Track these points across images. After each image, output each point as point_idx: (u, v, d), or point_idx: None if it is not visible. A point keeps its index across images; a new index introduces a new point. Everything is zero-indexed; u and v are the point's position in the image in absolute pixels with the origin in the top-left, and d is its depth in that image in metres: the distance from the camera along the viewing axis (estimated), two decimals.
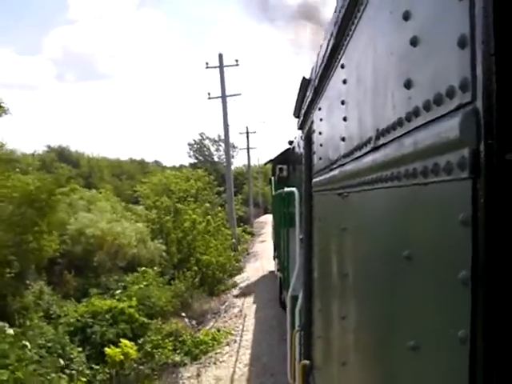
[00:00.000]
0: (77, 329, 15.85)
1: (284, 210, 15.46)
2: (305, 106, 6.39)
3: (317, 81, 4.77)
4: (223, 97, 43.33)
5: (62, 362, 13.33)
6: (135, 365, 14.85)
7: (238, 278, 27.59)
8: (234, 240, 36.19)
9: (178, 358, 15.73)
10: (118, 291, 19.79)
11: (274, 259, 26.35)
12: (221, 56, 42.83)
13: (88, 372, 14.01)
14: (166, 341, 16.55)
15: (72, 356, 14.14)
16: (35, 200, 17.71)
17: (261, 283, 24.27)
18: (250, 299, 20.48)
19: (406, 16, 1.75)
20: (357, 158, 2.77)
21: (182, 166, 65.90)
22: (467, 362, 1.24)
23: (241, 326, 17.95)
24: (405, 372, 1.89)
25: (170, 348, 16.28)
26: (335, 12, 3.31)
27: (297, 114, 7.75)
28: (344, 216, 3.43)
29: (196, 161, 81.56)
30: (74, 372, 13.31)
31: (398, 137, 1.90)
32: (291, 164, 16.99)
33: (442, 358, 1.45)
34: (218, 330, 17.97)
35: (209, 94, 43.89)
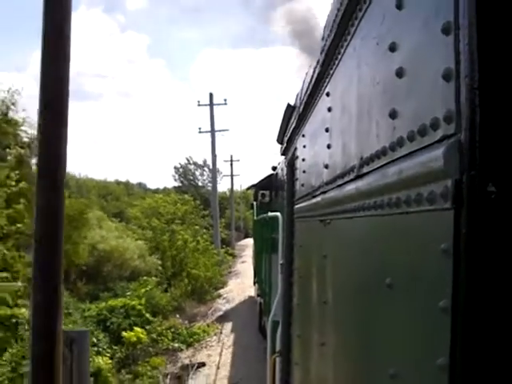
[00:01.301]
0: (99, 320, 19.84)
1: (266, 235, 15.43)
2: (288, 133, 6.42)
3: (301, 108, 4.81)
4: (212, 131, 49.94)
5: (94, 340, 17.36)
6: (144, 347, 19.02)
7: (222, 291, 32.02)
8: (219, 258, 40.64)
9: (176, 345, 20.38)
10: (128, 293, 23.60)
11: (254, 284, 26.27)
12: (211, 95, 49.58)
13: (109, 351, 17.98)
14: (168, 331, 21.00)
15: (99, 338, 18.21)
16: (71, 218, 21.56)
17: (240, 310, 26.53)
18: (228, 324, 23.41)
19: (393, 47, 1.78)
20: (340, 186, 2.79)
21: (165, 189, 70.23)
22: None
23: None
24: None
25: (170, 338, 20.71)
26: (322, 40, 3.35)
27: (280, 140, 7.79)
28: (325, 243, 3.43)
29: (181, 184, 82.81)
30: (100, 349, 17.43)
31: (381, 166, 1.92)
32: (274, 189, 17.02)
33: None
34: (208, 325, 23.09)
35: (200, 128, 51.08)
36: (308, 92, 4.25)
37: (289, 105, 6.07)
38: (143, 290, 23.42)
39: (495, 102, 1.18)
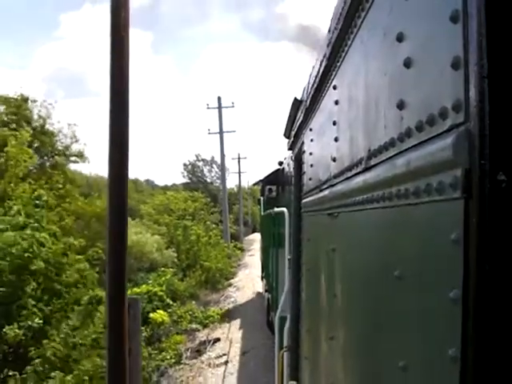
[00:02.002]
0: None
1: (273, 231, 15.40)
2: (295, 127, 6.41)
3: (308, 101, 4.79)
4: (221, 133, 53.85)
5: None
6: (166, 328, 20.67)
7: (232, 281, 35.13)
8: (229, 251, 44.69)
9: (194, 326, 22.39)
10: (150, 281, 25.17)
11: (262, 279, 26.26)
12: (219, 98, 53.48)
13: None
14: (186, 314, 23.07)
15: None
16: (100, 215, 25.90)
17: (248, 295, 29.42)
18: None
19: (400, 37, 1.77)
20: (348, 179, 2.78)
21: (174, 185, 74.98)
22: (457, 380, 1.24)
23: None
24: None
25: (188, 320, 22.62)
26: (328, 33, 3.34)
27: (287, 135, 7.77)
28: (334, 236, 3.43)
29: (189, 181, 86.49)
30: None
31: (390, 157, 1.91)
32: (280, 184, 16.97)
33: (433, 377, 1.45)
34: (221, 309, 25.55)
35: (209, 130, 55.26)
36: (315, 86, 4.24)
37: (296, 99, 6.05)
38: (163, 279, 24.90)
39: (505, 90, 1.17)
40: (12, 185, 22.62)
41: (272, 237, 16.12)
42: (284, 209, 9.11)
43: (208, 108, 53.84)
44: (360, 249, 2.58)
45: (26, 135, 25.95)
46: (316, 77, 4.11)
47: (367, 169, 2.29)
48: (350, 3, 2.60)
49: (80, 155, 34.20)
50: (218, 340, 20.52)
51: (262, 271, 26.30)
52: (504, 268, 1.17)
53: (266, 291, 22.22)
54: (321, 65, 3.79)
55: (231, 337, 20.65)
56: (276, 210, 12.09)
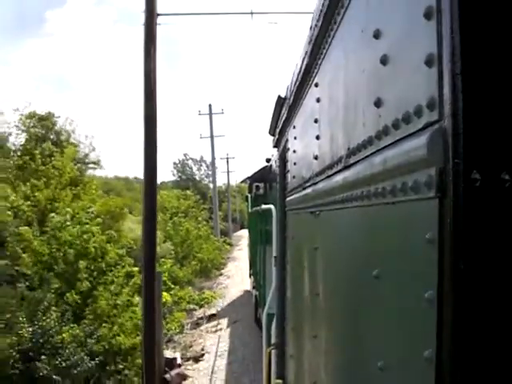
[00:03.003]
0: None
1: (260, 228, 15.40)
2: (280, 124, 6.39)
3: (291, 99, 4.77)
4: (211, 137, 59.25)
5: None
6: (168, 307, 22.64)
7: (223, 271, 40.84)
8: (219, 244, 49.63)
9: (191, 306, 26.10)
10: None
11: (250, 277, 26.27)
12: (210, 106, 58.99)
13: None
14: (185, 296, 26.31)
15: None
16: (113, 213, 29.75)
17: (236, 282, 34.35)
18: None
19: (377, 34, 1.75)
20: (329, 177, 2.76)
21: (163, 183, 75.62)
22: (433, 381, 1.22)
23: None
24: None
25: (187, 301, 26.01)
26: (310, 30, 3.32)
27: (272, 132, 7.75)
28: (316, 235, 3.41)
29: (179, 179, 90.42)
30: None
31: (368, 155, 1.90)
32: (268, 182, 16.95)
33: (409, 378, 1.44)
34: (214, 292, 29.84)
35: (200, 135, 61.23)
36: (297, 83, 4.22)
37: (279, 96, 6.03)
38: (165, 267, 26.74)
39: (478, 88, 1.15)
40: (57, 190, 28.58)
41: (259, 234, 16.14)
42: (271, 206, 9.04)
43: (200, 114, 59.19)
44: (341, 248, 2.57)
45: (71, 151, 32.21)
46: (298, 74, 4.09)
47: (346, 167, 2.28)
48: (330, 0, 2.58)
49: (97, 163, 41.61)
50: (213, 315, 24.91)
51: (250, 268, 26.31)
52: (478, 268, 1.15)
53: (253, 288, 22.24)
54: (303, 62, 3.77)
55: (223, 313, 25.41)
56: (263, 206, 12.03)
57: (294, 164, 4.82)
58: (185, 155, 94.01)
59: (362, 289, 2.04)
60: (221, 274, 39.32)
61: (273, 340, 7.22)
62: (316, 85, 3.37)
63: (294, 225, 5.22)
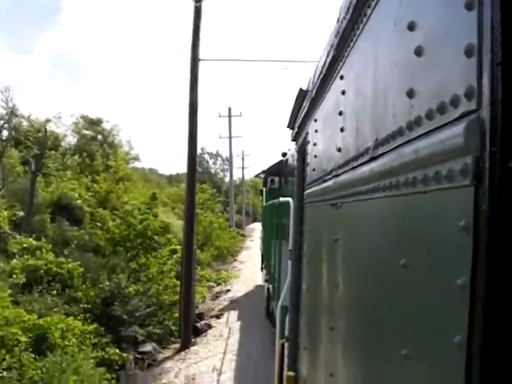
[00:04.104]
0: None
1: (276, 221, 15.39)
2: (300, 118, 6.40)
3: (314, 92, 4.78)
4: (230, 137, 67.63)
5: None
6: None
7: (237, 257, 46.44)
8: (234, 234, 57.41)
9: (210, 283, 31.52)
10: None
11: (262, 270, 26.27)
12: (230, 109, 66.61)
13: None
14: (205, 274, 32.60)
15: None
16: (147, 203, 35.70)
17: (248, 264, 39.73)
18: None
19: (411, 26, 1.77)
20: (353, 168, 2.78)
21: (177, 175, 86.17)
22: (463, 367, 1.24)
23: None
24: (399, 381, 1.88)
25: (207, 279, 31.74)
26: (337, 22, 3.32)
27: (291, 126, 7.75)
28: (337, 226, 3.43)
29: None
30: None
31: (397, 146, 1.91)
32: (283, 175, 16.95)
33: (438, 365, 1.46)
34: (230, 273, 35.86)
35: (220, 135, 69.78)
36: (321, 76, 4.23)
37: (301, 89, 6.03)
38: None
39: None
40: (113, 184, 37.71)
41: (275, 227, 16.12)
42: (289, 199, 9.00)
43: (220, 116, 66.42)
44: (364, 238, 2.58)
45: (122, 154, 43.80)
46: (322, 67, 4.10)
47: (374, 158, 2.29)
48: None
49: (137, 158, 54.50)
50: (228, 290, 29.75)
51: (262, 262, 26.31)
52: None
53: (265, 281, 22.25)
54: (328, 55, 3.78)
55: (237, 288, 30.13)
56: (281, 199, 11.98)
57: (315, 157, 4.83)
58: (202, 149, 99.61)
59: (387, 278, 2.05)
60: (235, 260, 45.08)
61: (286, 332, 7.24)
62: (341, 77, 3.38)
63: (312, 217, 5.24)
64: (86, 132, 43.55)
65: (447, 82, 1.45)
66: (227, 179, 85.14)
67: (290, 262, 7.15)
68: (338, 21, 3.33)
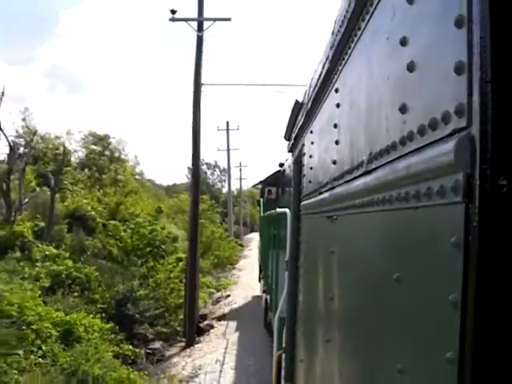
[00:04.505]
0: None
1: (274, 232, 15.38)
2: (296, 129, 6.41)
3: (309, 104, 4.79)
4: (228, 150, 68.46)
5: None
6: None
7: (236, 266, 48.46)
8: (234, 244, 59.09)
9: (211, 290, 33.08)
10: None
11: (260, 281, 26.23)
12: (227, 123, 67.28)
13: None
14: (206, 281, 33.05)
15: None
16: (152, 215, 39.31)
17: (247, 271, 42.43)
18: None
19: (403, 41, 1.77)
20: (348, 181, 2.78)
21: (175, 185, 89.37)
22: (456, 381, 1.24)
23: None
24: None
25: (208, 285, 33.14)
26: (332, 35, 3.34)
27: (288, 137, 7.77)
28: (333, 239, 3.43)
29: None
30: None
31: (391, 160, 1.92)
32: (281, 186, 16.96)
33: (430, 380, 1.46)
34: (230, 280, 37.90)
35: (218, 148, 70.97)
36: (316, 88, 4.24)
37: (297, 101, 6.05)
38: None
39: (508, 95, 1.18)
40: (122, 197, 40.90)
41: (272, 238, 16.11)
42: (286, 209, 9.00)
43: (218, 130, 66.94)
44: (359, 251, 2.58)
45: (130, 169, 48.05)
46: (318, 79, 4.11)
47: (368, 172, 2.30)
48: (355, 6, 2.60)
49: (141, 174, 57.95)
50: (228, 296, 31.69)
51: (260, 272, 26.27)
52: (503, 272, 1.17)
53: (263, 292, 22.21)
54: (323, 67, 3.79)
55: (236, 294, 32.08)
56: (278, 210, 11.98)
57: (311, 169, 4.84)
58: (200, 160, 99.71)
59: (381, 292, 2.06)
60: (234, 268, 47.27)
61: (284, 344, 7.22)
62: (336, 90, 3.39)
63: (308, 229, 5.24)
64: (94, 147, 46.65)
65: (438, 99, 1.46)
66: (225, 190, 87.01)
67: (286, 273, 7.15)
68: (332, 33, 3.34)
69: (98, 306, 22.86)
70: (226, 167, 76.94)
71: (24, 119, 37.01)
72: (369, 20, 2.44)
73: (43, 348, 16.16)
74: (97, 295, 24.07)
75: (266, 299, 19.69)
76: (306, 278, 5.33)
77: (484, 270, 1.18)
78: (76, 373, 15.14)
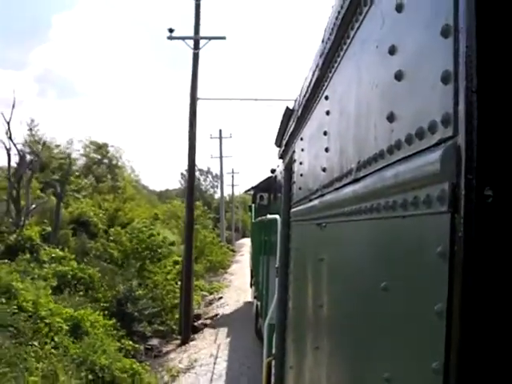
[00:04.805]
0: None
1: (265, 238, 15.36)
2: (287, 136, 6.41)
3: (300, 111, 4.80)
4: (221, 157, 70.31)
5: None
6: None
7: (228, 270, 49.34)
8: (226, 249, 60.78)
9: (204, 292, 34.05)
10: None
11: (251, 286, 26.19)
12: (220, 131, 68.79)
13: None
14: (199, 284, 34.19)
15: None
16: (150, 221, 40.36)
17: (238, 275, 43.16)
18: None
19: (392, 50, 1.78)
20: (337, 189, 2.78)
21: (167, 190, 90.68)
22: None
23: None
24: None
25: (201, 288, 34.11)
26: (322, 43, 3.34)
27: (278, 144, 7.77)
28: (322, 246, 3.43)
29: (185, 188, 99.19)
30: None
31: (378, 169, 1.92)
32: (272, 192, 16.95)
33: None
34: (222, 283, 39.04)
35: (211, 155, 73.98)
36: (306, 95, 4.24)
37: (287, 108, 6.06)
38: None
39: (493, 105, 1.18)
40: (121, 203, 43.35)
41: (263, 244, 16.09)
42: (277, 216, 8.98)
43: (211, 138, 68.27)
44: (347, 259, 2.58)
45: (129, 177, 50.64)
46: (308, 87, 4.12)
47: (356, 180, 2.30)
48: (344, 14, 2.60)
49: (137, 181, 59.67)
50: (221, 298, 32.97)
51: (252, 278, 26.23)
52: (488, 282, 1.17)
53: (254, 298, 22.17)
54: (313, 75, 3.79)
55: (228, 296, 33.35)
56: (268, 216, 11.97)
57: (301, 175, 4.84)
58: None
59: (368, 300, 2.05)
60: (226, 272, 48.33)
61: (274, 350, 7.21)
62: (326, 98, 3.39)
63: (298, 236, 5.24)
64: (94, 155, 48.90)
65: (425, 108, 1.46)
66: (217, 196, 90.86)
67: (276, 280, 7.14)
68: (322, 41, 3.35)
69: (101, 304, 24.24)
70: (218, 173, 79.58)
71: (30, 129, 39.45)
72: (358, 28, 2.44)
73: (55, 340, 17.86)
74: (99, 294, 25.66)
75: (257, 305, 19.65)
76: (295, 285, 5.32)
77: (469, 280, 1.18)
78: (85, 362, 16.89)
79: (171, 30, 24.75)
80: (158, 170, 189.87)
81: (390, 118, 1.75)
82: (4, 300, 18.68)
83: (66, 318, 19.66)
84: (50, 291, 22.32)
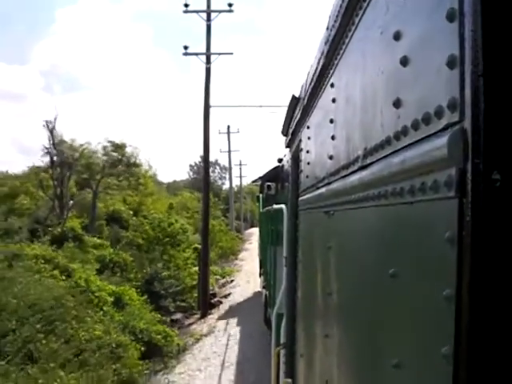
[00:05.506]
0: None
1: (272, 228, 15.37)
2: (293, 125, 6.40)
3: (306, 99, 4.79)
4: (229, 151, 72.69)
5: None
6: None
7: (238, 256, 53.39)
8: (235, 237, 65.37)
9: (217, 276, 36.92)
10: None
11: (260, 276, 26.25)
12: (228, 127, 71.20)
13: None
14: (212, 269, 35.52)
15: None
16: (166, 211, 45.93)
17: (248, 260, 47.78)
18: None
19: (397, 36, 1.77)
20: (344, 177, 2.78)
21: (175, 182, 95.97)
22: (451, 378, 1.24)
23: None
24: None
25: (214, 273, 35.89)
26: (327, 30, 3.33)
27: (285, 132, 7.76)
28: (330, 234, 3.43)
29: (193, 179, 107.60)
30: None
31: (385, 156, 1.91)
32: (280, 182, 16.88)
33: (426, 375, 1.46)
34: (233, 268, 42.85)
35: (220, 149, 76.67)
36: (312, 83, 4.23)
37: (294, 96, 6.03)
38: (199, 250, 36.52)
39: (500, 89, 1.17)
40: (143, 198, 49.55)
41: (271, 234, 16.09)
42: (283, 206, 8.97)
43: (220, 133, 70.92)
44: (356, 246, 2.58)
45: (148, 174, 54.75)
46: (314, 75, 4.11)
47: (363, 167, 2.29)
48: (349, 1, 2.59)
49: (154, 176, 62.33)
50: (232, 280, 37.03)
51: (260, 268, 26.28)
52: (497, 267, 1.17)
53: (263, 287, 22.21)
54: (318, 63, 3.78)
55: (239, 278, 37.63)
56: (275, 206, 11.95)
57: (308, 164, 4.84)
58: (201, 157, 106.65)
59: (377, 287, 2.05)
60: (236, 259, 52.39)
61: (282, 340, 7.22)
62: (332, 85, 3.38)
63: (306, 224, 5.24)
64: (114, 154, 51.58)
65: (431, 93, 1.45)
66: (225, 187, 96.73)
67: (285, 269, 7.14)
68: (327, 28, 3.33)
69: (133, 283, 28.30)
70: (225, 165, 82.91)
71: (51, 132, 41.79)
72: (363, 15, 2.43)
73: (104, 309, 21.89)
74: (132, 275, 30.19)
75: (266, 295, 19.69)
76: (303, 274, 5.33)
77: (477, 264, 1.18)
78: (127, 326, 20.92)
79: (186, 47, 28.78)
80: (164, 161, 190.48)
81: (396, 104, 1.75)
82: (64, 277, 23.16)
83: (109, 292, 23.82)
84: (95, 272, 27.03)
